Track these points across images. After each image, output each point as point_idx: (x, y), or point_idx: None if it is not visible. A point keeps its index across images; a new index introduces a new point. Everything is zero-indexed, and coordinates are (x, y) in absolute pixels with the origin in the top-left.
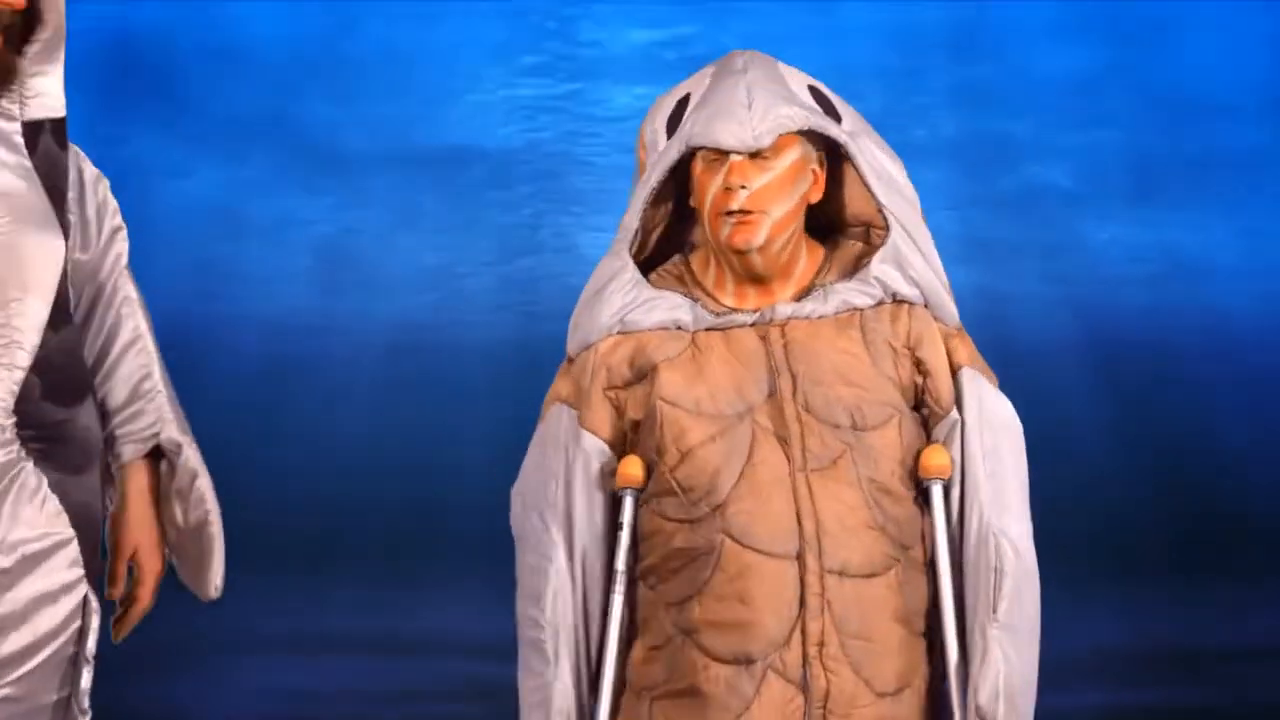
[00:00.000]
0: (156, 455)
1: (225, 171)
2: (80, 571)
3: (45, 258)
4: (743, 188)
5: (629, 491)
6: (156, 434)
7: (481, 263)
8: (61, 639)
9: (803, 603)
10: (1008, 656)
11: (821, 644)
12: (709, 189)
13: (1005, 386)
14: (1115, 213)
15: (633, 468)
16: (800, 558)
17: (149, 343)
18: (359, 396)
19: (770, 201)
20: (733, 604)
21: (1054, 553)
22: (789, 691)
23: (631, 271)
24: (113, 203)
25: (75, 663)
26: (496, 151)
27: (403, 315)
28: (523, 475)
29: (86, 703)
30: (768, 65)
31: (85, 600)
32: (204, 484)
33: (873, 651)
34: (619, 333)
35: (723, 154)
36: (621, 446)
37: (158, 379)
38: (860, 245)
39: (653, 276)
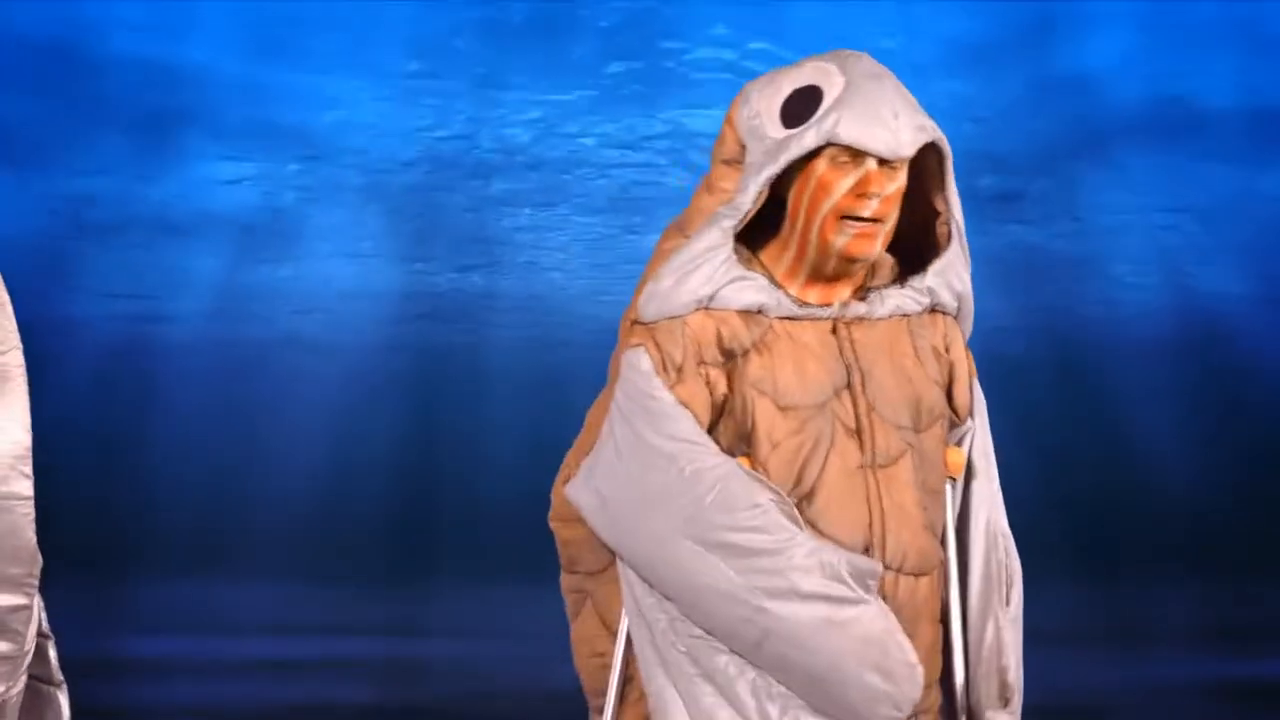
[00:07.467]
0: None
1: None
2: None
3: None
4: (876, 195)
5: None
6: None
7: None
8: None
9: None
10: (1017, 648)
11: None
12: (834, 188)
13: None
14: None
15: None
16: (868, 551)
17: None
18: None
19: (888, 212)
20: None
21: None
22: None
23: (731, 249)
24: None
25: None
26: None
27: None
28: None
29: (60, 675)
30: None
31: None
32: None
33: (918, 649)
34: (705, 309)
35: (857, 156)
36: (713, 423)
37: None
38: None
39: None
